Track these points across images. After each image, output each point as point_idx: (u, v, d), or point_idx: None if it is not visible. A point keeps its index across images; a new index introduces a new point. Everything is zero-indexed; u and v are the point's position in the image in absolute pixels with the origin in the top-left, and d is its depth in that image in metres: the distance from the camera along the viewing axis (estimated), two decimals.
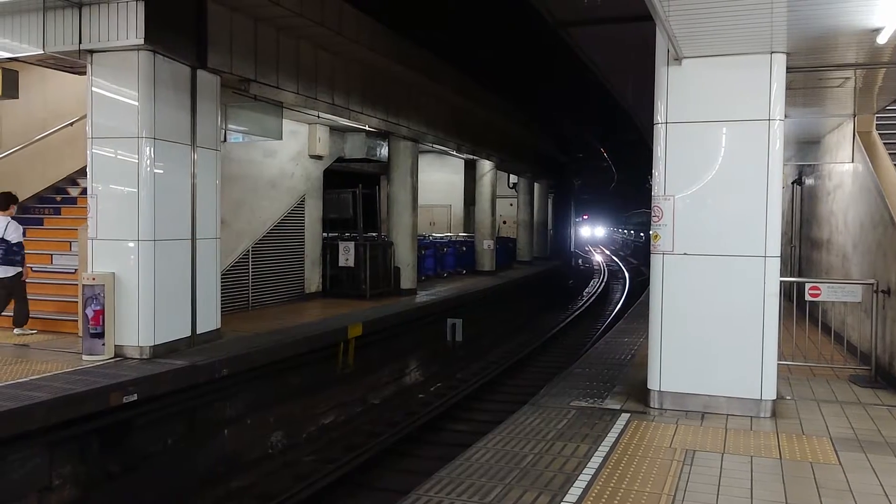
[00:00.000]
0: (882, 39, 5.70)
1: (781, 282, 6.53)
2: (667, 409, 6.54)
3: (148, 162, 8.22)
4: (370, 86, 13.40)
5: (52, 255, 10.59)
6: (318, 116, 12.71)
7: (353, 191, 15.51)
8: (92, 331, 7.98)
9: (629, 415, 6.43)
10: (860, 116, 9.35)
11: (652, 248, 6.70)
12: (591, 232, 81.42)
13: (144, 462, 7.42)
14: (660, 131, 6.55)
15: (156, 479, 7.46)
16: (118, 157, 8.27)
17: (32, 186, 12.03)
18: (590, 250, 63.17)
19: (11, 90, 10.50)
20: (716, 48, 6.19)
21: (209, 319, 9.26)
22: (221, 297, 9.67)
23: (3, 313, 9.17)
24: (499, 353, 15.80)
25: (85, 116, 8.74)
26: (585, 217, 68.65)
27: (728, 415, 6.35)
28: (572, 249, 41.38)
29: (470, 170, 23.68)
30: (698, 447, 5.51)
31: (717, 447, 5.52)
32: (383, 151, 16.38)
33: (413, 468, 8.37)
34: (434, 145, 17.57)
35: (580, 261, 44.80)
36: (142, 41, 7.95)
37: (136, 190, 8.19)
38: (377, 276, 14.76)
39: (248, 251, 12.47)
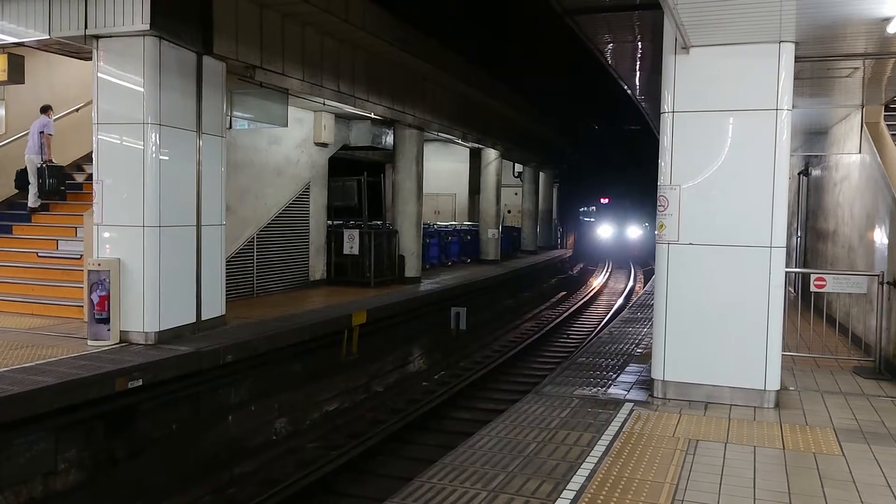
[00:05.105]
0: (892, 29, 5.65)
1: (787, 272, 6.51)
2: (670, 399, 6.54)
3: (153, 148, 8.21)
4: (376, 73, 13.36)
5: (57, 240, 10.61)
6: (324, 104, 12.68)
7: (358, 179, 15.51)
8: (97, 316, 8.01)
9: (633, 404, 6.44)
10: (868, 107, 9.30)
11: (657, 237, 6.69)
12: (618, 228, 43.47)
13: (149, 447, 7.46)
14: (666, 120, 6.52)
15: (160, 464, 7.51)
16: (124, 143, 8.27)
17: None
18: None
19: (17, 75, 10.50)
20: (724, 37, 6.15)
21: (214, 306, 9.29)
22: (226, 283, 9.70)
23: None
24: (502, 342, 15.83)
25: (90, 102, 8.74)
26: (606, 200, 43.65)
27: (731, 405, 6.35)
28: (565, 238, 37.03)
29: (475, 158, 23.65)
30: (701, 437, 5.52)
31: (721, 437, 5.52)
32: (388, 139, 16.37)
33: (417, 455, 8.40)
34: (439, 133, 17.54)
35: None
36: (147, 27, 7.93)
37: (141, 176, 8.19)
38: (381, 264, 14.78)
39: (253, 238, 12.49)
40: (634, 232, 43.33)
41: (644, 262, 37.10)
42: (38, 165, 10.77)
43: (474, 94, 18.37)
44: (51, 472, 6.50)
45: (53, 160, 10.92)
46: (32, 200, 11.08)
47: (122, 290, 8.18)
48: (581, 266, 33.81)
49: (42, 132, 10.83)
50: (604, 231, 43.14)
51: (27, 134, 11.79)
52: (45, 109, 11.04)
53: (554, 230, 31.96)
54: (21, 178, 11.19)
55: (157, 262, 8.27)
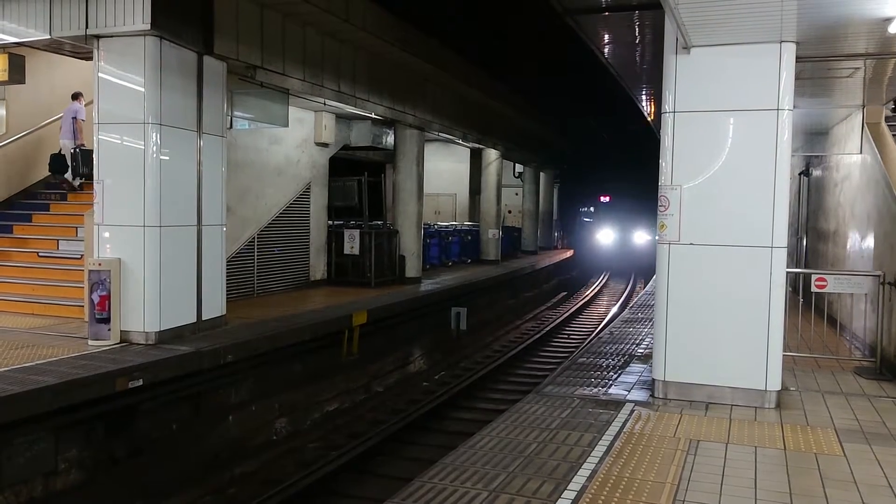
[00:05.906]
0: (893, 29, 5.64)
1: (788, 273, 6.50)
2: (671, 399, 6.53)
3: (154, 148, 8.21)
4: (376, 73, 13.36)
5: (58, 240, 10.61)
6: (325, 104, 12.69)
7: (358, 179, 15.50)
8: (98, 316, 8.01)
9: (633, 404, 6.43)
10: (869, 107, 9.29)
11: (658, 237, 6.68)
12: (621, 233, 36.27)
13: (149, 447, 7.46)
14: (667, 120, 6.52)
15: (160, 464, 7.50)
16: (124, 143, 8.27)
17: (39, 172, 12.06)
18: None
19: (18, 75, 10.50)
20: (725, 37, 6.14)
21: (214, 306, 9.28)
22: (227, 283, 9.69)
23: None
24: (503, 342, 15.82)
25: (91, 102, 8.74)
26: (607, 199, 36.81)
27: (732, 405, 6.34)
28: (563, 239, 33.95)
29: (475, 158, 23.65)
30: (702, 437, 5.51)
31: (722, 437, 5.51)
32: (389, 139, 16.36)
33: (417, 456, 8.40)
34: (440, 133, 17.54)
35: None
36: (148, 26, 7.93)
37: (142, 176, 8.19)
38: (382, 265, 14.77)
39: (254, 238, 12.48)
40: (642, 237, 35.48)
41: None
42: (72, 150, 11.07)
43: (475, 95, 18.38)
44: (51, 471, 6.50)
45: (85, 144, 11.16)
46: (72, 179, 11.48)
47: (123, 289, 8.17)
48: (578, 271, 33.69)
49: (75, 118, 11.19)
50: (604, 236, 36.31)
51: (32, 132, 11.92)
52: (76, 96, 11.42)
53: (553, 231, 31.90)
54: (55, 163, 11.38)
55: (158, 262, 8.27)
